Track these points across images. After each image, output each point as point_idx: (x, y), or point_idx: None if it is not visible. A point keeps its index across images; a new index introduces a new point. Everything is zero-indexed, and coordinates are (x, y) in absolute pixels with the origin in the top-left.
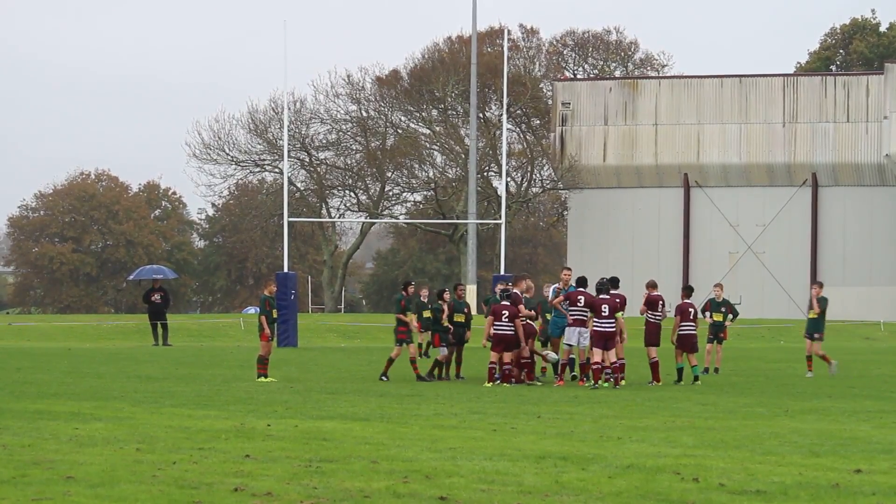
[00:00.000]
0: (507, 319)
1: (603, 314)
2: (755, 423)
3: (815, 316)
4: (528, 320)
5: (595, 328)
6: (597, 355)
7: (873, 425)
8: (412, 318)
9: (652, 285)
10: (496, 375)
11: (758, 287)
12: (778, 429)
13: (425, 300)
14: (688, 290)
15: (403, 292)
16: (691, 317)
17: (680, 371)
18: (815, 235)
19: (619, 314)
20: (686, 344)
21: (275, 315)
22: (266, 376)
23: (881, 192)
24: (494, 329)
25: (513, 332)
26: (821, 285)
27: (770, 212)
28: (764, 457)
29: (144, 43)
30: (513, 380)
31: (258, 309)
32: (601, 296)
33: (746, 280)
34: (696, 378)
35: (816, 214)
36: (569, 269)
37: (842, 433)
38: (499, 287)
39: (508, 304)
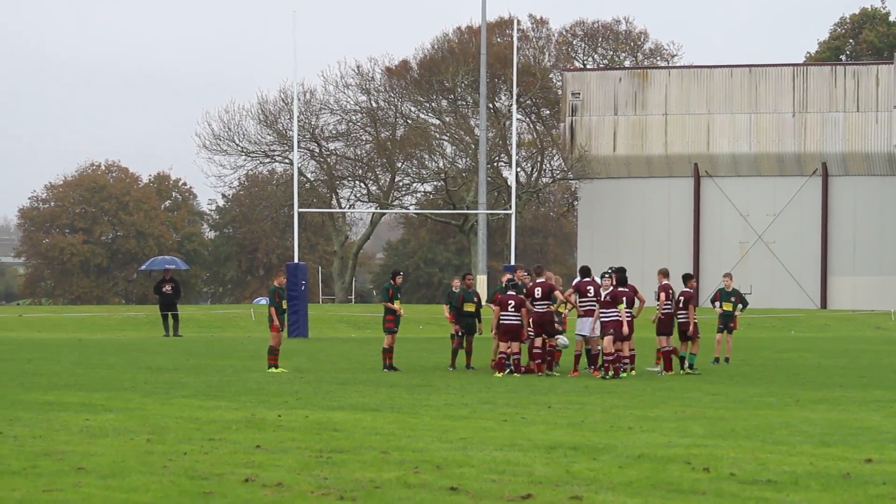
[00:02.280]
0: (513, 309)
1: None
2: (765, 412)
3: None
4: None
5: (604, 318)
6: (609, 346)
7: (884, 415)
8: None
9: (663, 273)
10: (507, 364)
11: (768, 277)
12: (788, 418)
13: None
14: (685, 278)
15: (391, 281)
16: (680, 305)
17: (682, 359)
18: (825, 225)
19: (620, 305)
20: (678, 331)
21: (284, 306)
22: (276, 367)
23: (891, 182)
24: (501, 319)
25: (520, 322)
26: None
27: (780, 201)
28: (774, 446)
29: (154, 34)
30: (522, 369)
31: (268, 300)
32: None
33: (756, 270)
34: (690, 366)
35: (827, 204)
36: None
37: (852, 423)
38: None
39: (514, 293)
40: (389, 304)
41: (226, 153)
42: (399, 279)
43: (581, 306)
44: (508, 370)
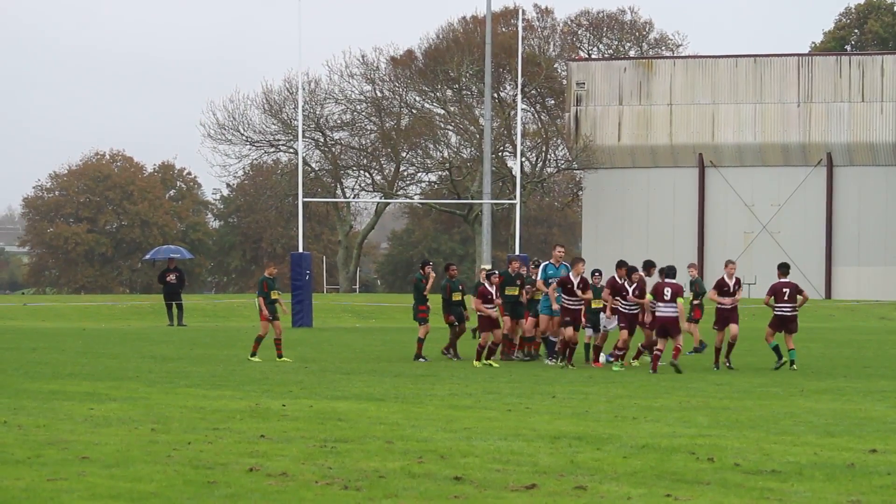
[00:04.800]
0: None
1: (665, 298)
2: (770, 403)
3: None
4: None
5: (659, 314)
6: (659, 343)
7: (888, 405)
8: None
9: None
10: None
11: (772, 267)
12: (793, 409)
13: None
14: (783, 270)
15: (421, 272)
16: (785, 297)
17: (776, 349)
18: (829, 215)
19: (680, 300)
20: (782, 324)
21: (273, 296)
22: (255, 355)
23: None
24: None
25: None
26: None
27: (785, 192)
28: (779, 437)
29: (159, 23)
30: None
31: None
32: (667, 280)
33: (761, 260)
34: (791, 362)
35: (831, 194)
36: (562, 246)
37: (857, 413)
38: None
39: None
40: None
41: (230, 143)
42: (428, 269)
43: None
44: (516, 356)
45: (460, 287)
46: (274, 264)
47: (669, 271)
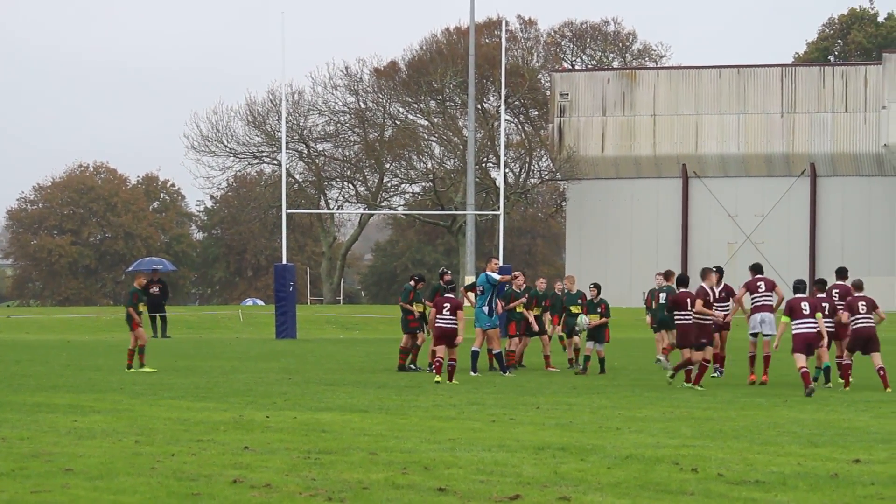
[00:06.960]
0: (448, 312)
1: (804, 313)
2: (754, 413)
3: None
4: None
5: (797, 331)
6: (800, 360)
7: (872, 415)
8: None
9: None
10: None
11: None
12: (776, 419)
13: (519, 289)
14: (820, 284)
15: (413, 283)
16: (805, 313)
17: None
18: (813, 225)
19: (818, 315)
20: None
21: (141, 308)
22: (131, 367)
23: (879, 182)
24: (437, 322)
25: (455, 326)
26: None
27: (769, 202)
28: (762, 447)
29: (143, 34)
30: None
31: (128, 301)
32: (798, 294)
33: (745, 270)
34: (814, 378)
35: (815, 204)
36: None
37: (840, 423)
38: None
39: (452, 296)
40: (407, 306)
41: (214, 154)
42: (421, 285)
43: (755, 302)
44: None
45: (423, 300)
46: (144, 276)
47: (799, 285)
